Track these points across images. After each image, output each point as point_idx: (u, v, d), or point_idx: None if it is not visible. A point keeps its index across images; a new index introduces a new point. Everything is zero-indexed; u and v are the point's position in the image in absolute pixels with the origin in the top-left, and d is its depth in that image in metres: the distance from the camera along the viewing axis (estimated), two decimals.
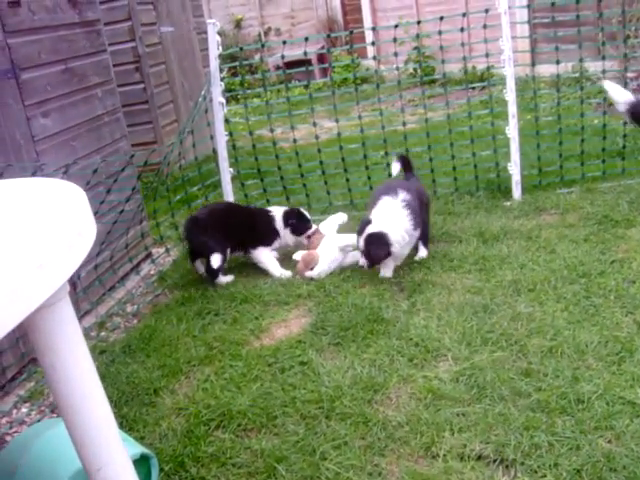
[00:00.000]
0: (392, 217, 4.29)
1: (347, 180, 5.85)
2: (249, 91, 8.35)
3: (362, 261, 4.30)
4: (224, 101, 5.58)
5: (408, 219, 4.28)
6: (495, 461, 2.62)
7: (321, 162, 5.86)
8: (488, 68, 6.26)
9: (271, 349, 3.65)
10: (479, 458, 2.64)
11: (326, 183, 5.90)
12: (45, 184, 1.71)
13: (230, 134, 5.72)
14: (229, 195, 5.68)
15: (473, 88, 6.98)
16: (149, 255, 5.34)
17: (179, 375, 3.56)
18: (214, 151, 5.69)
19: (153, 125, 7.69)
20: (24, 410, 3.57)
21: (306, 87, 7.63)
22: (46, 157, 4.11)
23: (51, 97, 4.27)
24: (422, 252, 4.56)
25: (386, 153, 6.04)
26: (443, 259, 4.48)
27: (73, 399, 1.65)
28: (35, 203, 1.58)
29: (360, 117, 5.79)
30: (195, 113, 5.53)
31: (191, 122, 5.53)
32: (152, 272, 5.14)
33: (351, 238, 4.49)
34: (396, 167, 4.84)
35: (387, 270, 4.36)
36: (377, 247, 4.23)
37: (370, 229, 4.26)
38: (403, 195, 4.35)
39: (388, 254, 4.26)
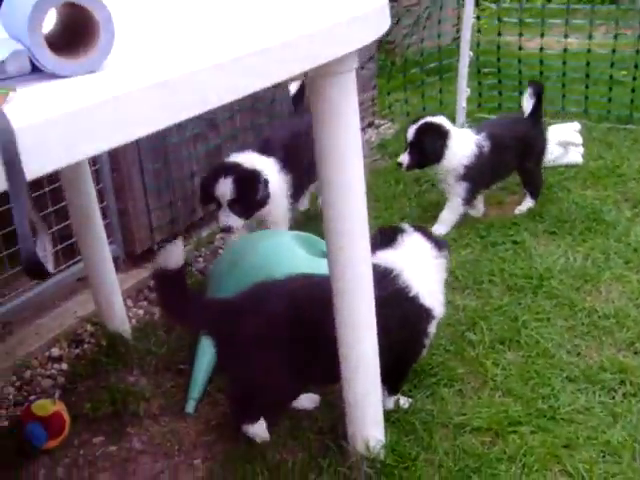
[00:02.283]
0: None
1: (586, 87, 5.51)
2: None
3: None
4: None
5: None
6: None
7: (564, 74, 5.52)
8: None
9: (484, 223, 3.71)
10: None
11: (564, 87, 5.58)
12: None
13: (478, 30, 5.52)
14: (462, 90, 5.45)
15: None
16: (372, 123, 5.46)
17: None
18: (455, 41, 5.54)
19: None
20: None
21: None
22: None
23: None
24: None
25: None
26: None
27: (334, 170, 1.85)
28: None
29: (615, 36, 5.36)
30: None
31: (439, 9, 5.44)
32: (373, 139, 5.26)
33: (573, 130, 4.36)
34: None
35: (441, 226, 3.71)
36: None
37: None
38: None
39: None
